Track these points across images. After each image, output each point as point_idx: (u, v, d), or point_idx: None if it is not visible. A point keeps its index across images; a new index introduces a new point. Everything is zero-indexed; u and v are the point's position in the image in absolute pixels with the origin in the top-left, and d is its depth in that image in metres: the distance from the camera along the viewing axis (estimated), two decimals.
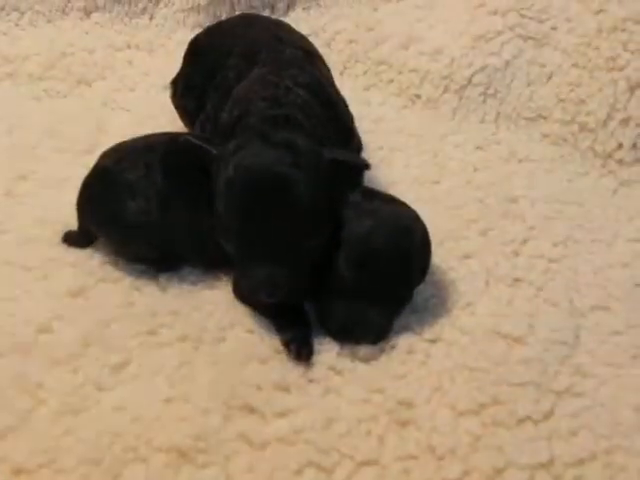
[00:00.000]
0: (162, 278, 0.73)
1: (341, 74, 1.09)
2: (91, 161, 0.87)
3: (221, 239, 0.66)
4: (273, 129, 0.67)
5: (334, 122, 0.75)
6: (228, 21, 0.97)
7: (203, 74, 0.85)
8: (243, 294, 0.70)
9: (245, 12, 1.12)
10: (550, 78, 0.99)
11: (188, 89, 0.88)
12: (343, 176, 0.67)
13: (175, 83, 0.93)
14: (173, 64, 1.06)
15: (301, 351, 0.65)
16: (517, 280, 0.75)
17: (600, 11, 0.96)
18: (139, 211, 0.70)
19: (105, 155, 0.75)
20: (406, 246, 0.66)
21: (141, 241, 0.72)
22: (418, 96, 1.04)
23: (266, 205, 0.62)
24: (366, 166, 0.67)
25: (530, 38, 1.01)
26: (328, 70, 0.87)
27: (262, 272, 0.63)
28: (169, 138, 0.75)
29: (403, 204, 0.70)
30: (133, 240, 0.72)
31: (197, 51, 0.90)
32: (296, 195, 0.62)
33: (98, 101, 1.04)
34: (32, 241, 0.77)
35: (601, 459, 0.59)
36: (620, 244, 0.82)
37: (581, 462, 0.59)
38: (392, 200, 0.70)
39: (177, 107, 0.92)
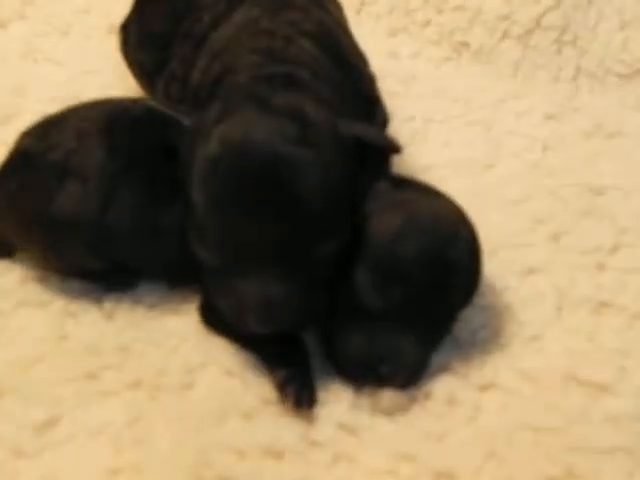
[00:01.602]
0: (107, 301, 0.75)
1: (358, 13, 1.12)
2: (7, 135, 0.89)
3: (195, 243, 0.67)
4: (271, 89, 0.68)
5: (349, 87, 0.77)
6: None
7: (166, 17, 0.88)
8: (218, 321, 0.72)
9: None
10: None
11: (146, 37, 0.91)
12: (365, 159, 0.68)
13: (125, 28, 0.95)
14: None
15: (301, 396, 0.67)
16: (603, 305, 0.77)
17: None
18: (72, 200, 0.72)
19: (26, 134, 0.78)
20: (447, 255, 0.67)
21: (76, 244, 0.73)
22: (465, 45, 1.07)
23: (261, 196, 0.63)
24: (396, 148, 0.69)
25: None
26: (340, 10, 0.89)
27: (253, 289, 0.64)
28: (117, 104, 0.77)
29: (444, 197, 0.72)
30: (65, 244, 0.73)
31: None
32: (303, 183, 0.63)
33: (16, 50, 1.06)
34: None
35: None
36: None
37: None
38: (429, 192, 0.72)
39: (130, 62, 0.95)
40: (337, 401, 0.68)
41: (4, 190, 0.76)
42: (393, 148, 0.70)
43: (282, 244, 0.63)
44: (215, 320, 0.72)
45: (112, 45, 1.07)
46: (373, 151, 0.69)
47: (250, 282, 0.64)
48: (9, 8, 1.12)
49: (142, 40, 0.92)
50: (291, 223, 0.63)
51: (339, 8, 0.89)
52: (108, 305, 0.75)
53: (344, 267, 0.68)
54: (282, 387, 0.67)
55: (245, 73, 0.72)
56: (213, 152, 0.64)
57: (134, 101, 0.79)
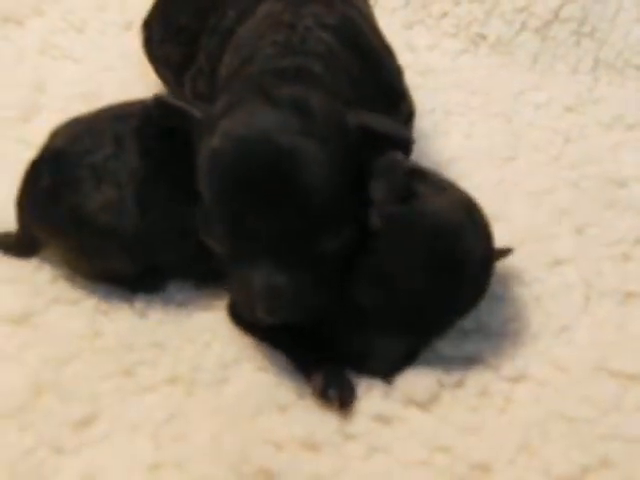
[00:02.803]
0: (138, 299, 0.77)
1: (373, 6, 1.11)
2: (27, 133, 0.92)
3: (203, 232, 0.68)
4: (277, 82, 0.68)
5: (374, 79, 0.77)
6: None
7: (192, 11, 0.88)
8: (239, 316, 0.74)
9: None
10: None
11: (171, 32, 0.91)
12: (375, 150, 0.68)
13: (148, 25, 0.96)
14: None
15: (344, 397, 0.68)
16: (630, 295, 0.79)
17: None
18: (108, 204, 0.73)
19: (56, 133, 0.78)
20: (451, 273, 0.68)
21: (110, 247, 0.75)
22: (483, 36, 1.08)
23: (263, 189, 0.63)
24: (407, 138, 0.70)
25: None
26: (367, 4, 0.90)
27: (258, 277, 0.65)
28: (144, 105, 0.77)
29: (462, 193, 0.72)
30: (100, 248, 0.75)
31: None
32: (305, 175, 0.63)
33: (34, 47, 1.07)
34: None
35: None
36: None
37: None
38: (445, 187, 0.72)
39: (154, 58, 0.96)
40: (370, 393, 0.70)
41: (33, 187, 0.77)
42: (403, 138, 0.70)
43: (285, 235, 0.64)
44: (238, 315, 0.74)
45: (128, 42, 1.08)
46: (384, 142, 0.68)
47: (256, 272, 0.65)
48: (26, 5, 1.12)
49: (167, 35, 0.92)
50: (293, 214, 0.64)
51: (365, 1, 0.90)
52: (139, 303, 0.76)
53: (346, 270, 0.69)
54: (323, 392, 0.68)
55: (258, 66, 0.72)
56: (216, 145, 0.65)
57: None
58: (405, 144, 0.70)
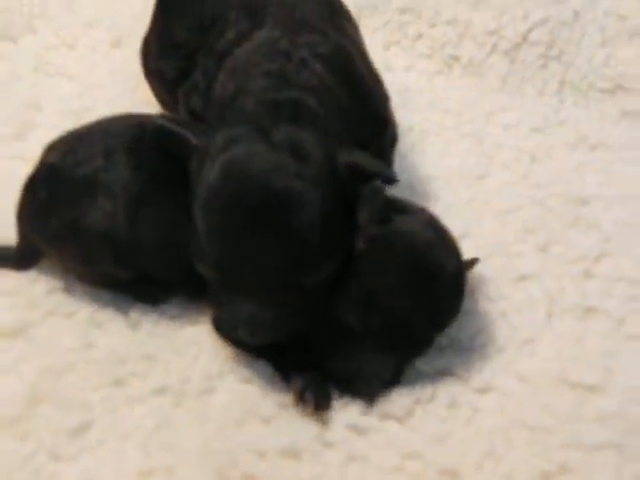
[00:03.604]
0: (132, 311, 0.78)
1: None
2: (22, 149, 0.93)
3: (196, 258, 0.70)
4: (275, 121, 0.70)
5: (362, 108, 0.79)
6: None
7: (190, 28, 0.89)
8: (224, 331, 0.75)
9: None
10: (633, 35, 1.04)
11: (168, 47, 0.92)
12: (361, 183, 0.71)
13: (147, 41, 0.96)
14: (127, 10, 1.13)
15: (319, 401, 0.71)
16: (589, 310, 0.81)
17: None
18: (103, 216, 0.75)
19: (51, 148, 0.80)
20: (428, 291, 0.71)
21: (106, 255, 0.76)
22: (456, 58, 1.10)
23: (257, 228, 0.66)
24: (392, 178, 0.72)
25: None
26: (357, 31, 0.91)
27: (243, 309, 0.68)
28: (137, 120, 0.80)
29: (429, 215, 0.75)
30: (96, 254, 0.77)
31: None
32: (297, 218, 0.66)
33: (28, 64, 1.09)
34: None
35: None
36: None
37: None
38: (413, 211, 0.75)
39: (151, 74, 0.96)
40: (348, 405, 0.72)
41: (34, 201, 0.78)
42: (390, 178, 0.72)
43: (273, 273, 0.67)
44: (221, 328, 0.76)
45: (117, 58, 1.10)
46: (371, 178, 0.71)
47: (241, 302, 0.68)
48: (18, 23, 1.13)
49: (164, 49, 0.92)
50: (283, 254, 0.66)
51: (355, 27, 0.91)
52: (134, 315, 0.78)
53: (332, 291, 0.71)
54: (301, 394, 0.71)
55: (254, 97, 0.74)
56: (215, 181, 0.68)
57: (150, 118, 0.80)
58: (389, 181, 0.73)
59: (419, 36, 1.13)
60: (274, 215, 0.66)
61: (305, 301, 0.70)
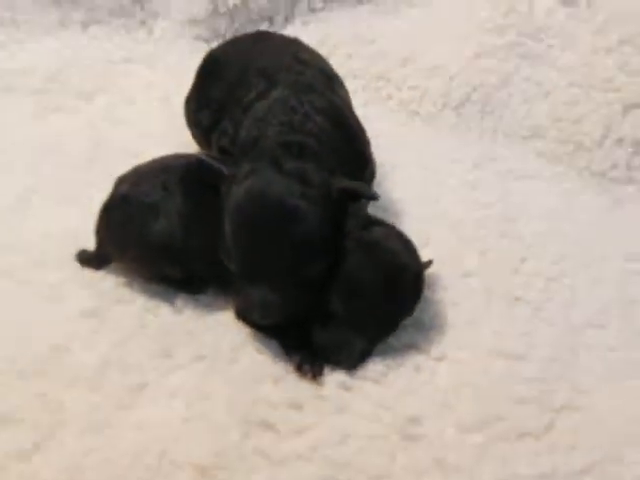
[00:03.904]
0: (177, 299, 0.78)
1: None
2: (94, 178, 0.92)
3: (224, 257, 0.71)
4: (286, 156, 0.71)
5: (350, 149, 0.80)
6: (243, 37, 1.00)
7: (221, 88, 0.88)
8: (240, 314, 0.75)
9: (260, 30, 1.14)
10: (547, 96, 1.04)
11: (205, 103, 0.91)
12: (350, 205, 0.72)
13: (189, 98, 0.96)
14: (173, 77, 1.11)
15: (315, 371, 0.70)
16: (517, 299, 0.81)
17: (597, 32, 1.01)
18: (164, 232, 0.75)
19: (122, 181, 0.79)
20: (396, 286, 0.70)
21: (165, 262, 0.76)
22: (417, 112, 1.09)
23: (271, 234, 0.67)
24: (374, 197, 0.73)
25: (527, 56, 1.06)
26: (346, 92, 0.91)
27: (257, 294, 0.68)
28: (185, 159, 0.80)
29: (394, 228, 0.75)
30: (158, 261, 0.76)
31: (214, 66, 0.93)
32: (302, 228, 0.67)
33: (98, 115, 1.08)
34: (44, 261, 0.81)
35: (598, 470, 0.66)
36: (614, 262, 0.88)
37: (579, 473, 0.65)
38: (384, 224, 0.75)
39: (191, 122, 0.95)
40: (336, 371, 0.71)
41: (110, 221, 0.78)
42: (372, 196, 0.74)
43: (280, 266, 0.68)
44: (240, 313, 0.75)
45: (167, 110, 1.08)
46: (357, 199, 0.73)
47: (255, 290, 0.68)
48: (92, 85, 1.12)
49: (201, 105, 0.92)
50: (289, 253, 0.67)
51: (346, 90, 0.91)
52: (178, 303, 0.77)
53: (323, 284, 0.70)
54: (299, 366, 0.71)
55: (271, 139, 0.75)
56: (240, 199, 0.69)
57: (192, 156, 0.81)
58: (371, 198, 0.75)
59: (389, 97, 1.12)
60: (284, 226, 0.67)
61: (304, 290, 0.69)
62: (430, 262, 0.78)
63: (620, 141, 0.98)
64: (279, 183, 0.68)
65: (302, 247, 0.67)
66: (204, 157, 0.76)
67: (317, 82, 0.84)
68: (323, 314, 0.71)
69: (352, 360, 0.71)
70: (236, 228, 0.69)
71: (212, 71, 0.93)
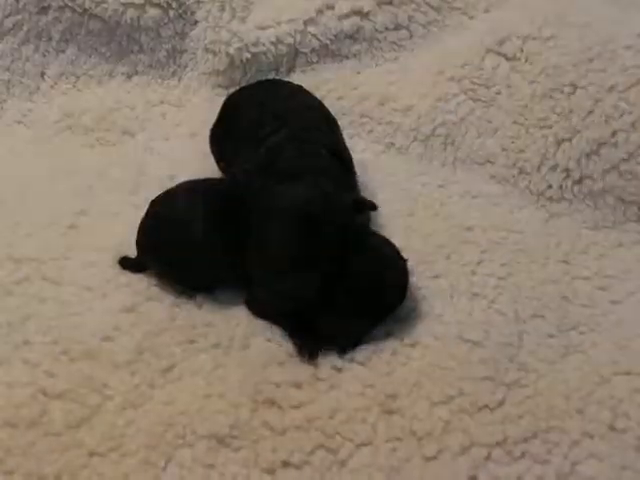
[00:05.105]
0: (199, 297, 0.74)
1: None
2: (135, 200, 0.87)
3: (253, 262, 0.67)
4: (307, 175, 0.70)
5: (344, 176, 0.78)
6: (256, 84, 0.98)
7: (240, 125, 0.86)
8: (258, 309, 0.71)
9: (271, 79, 1.08)
10: (496, 132, 1.00)
11: (226, 137, 0.88)
12: (357, 214, 0.72)
13: (213, 133, 0.92)
14: (199, 117, 1.06)
15: (312, 354, 0.67)
16: (475, 295, 0.77)
17: (534, 81, 0.98)
18: (192, 243, 0.71)
19: (155, 202, 0.75)
20: (387, 279, 0.68)
21: (193, 265, 0.72)
22: (392, 144, 1.05)
23: (309, 235, 0.65)
24: (374, 207, 0.73)
25: (479, 100, 1.02)
26: (339, 128, 0.89)
27: (286, 287, 0.66)
28: (209, 182, 0.77)
29: (383, 237, 0.73)
30: (187, 264, 0.72)
31: (234, 106, 0.91)
32: (323, 228, 0.65)
33: (140, 148, 1.03)
34: (92, 265, 0.77)
35: (541, 437, 0.62)
36: (551, 264, 0.84)
37: (526, 440, 0.62)
38: (382, 239, 0.73)
39: (215, 153, 0.92)
40: (330, 354, 0.68)
41: (147, 237, 0.74)
42: (373, 207, 0.74)
43: (306, 262, 0.65)
44: (256, 308, 0.72)
45: (194, 143, 1.03)
46: (360, 208, 0.73)
47: (285, 283, 0.66)
48: (135, 124, 1.06)
49: (224, 137, 0.89)
50: (313, 251, 0.65)
51: (339, 128, 0.89)
52: (199, 299, 0.73)
53: (332, 278, 0.67)
54: (300, 349, 0.67)
55: (287, 163, 0.74)
56: (285, 206, 0.67)
57: (218, 180, 0.79)
58: (373, 208, 0.75)
59: (371, 131, 1.07)
60: (311, 228, 0.66)
61: (317, 281, 0.66)
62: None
63: (554, 167, 0.94)
64: (305, 195, 0.67)
65: (325, 245, 0.65)
66: (238, 175, 0.74)
67: (317, 122, 0.82)
68: (328, 303, 0.67)
69: (350, 342, 0.68)
70: (284, 232, 0.66)
71: (232, 110, 0.90)
